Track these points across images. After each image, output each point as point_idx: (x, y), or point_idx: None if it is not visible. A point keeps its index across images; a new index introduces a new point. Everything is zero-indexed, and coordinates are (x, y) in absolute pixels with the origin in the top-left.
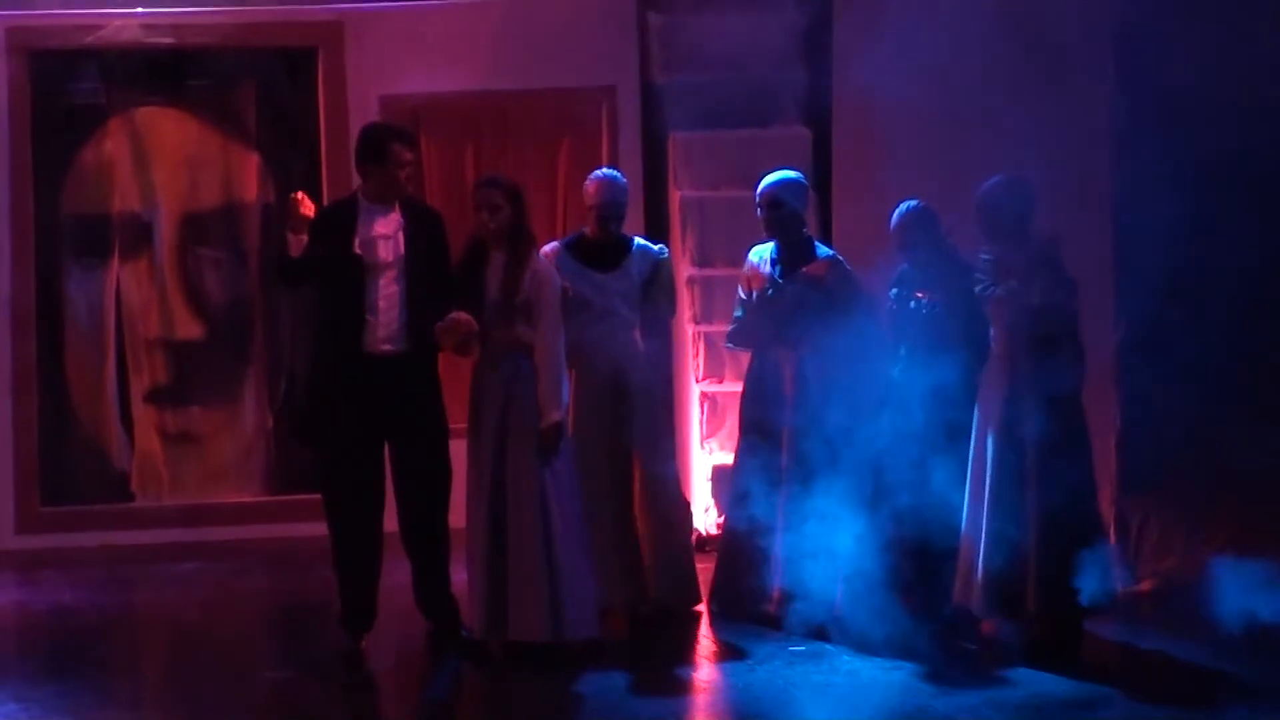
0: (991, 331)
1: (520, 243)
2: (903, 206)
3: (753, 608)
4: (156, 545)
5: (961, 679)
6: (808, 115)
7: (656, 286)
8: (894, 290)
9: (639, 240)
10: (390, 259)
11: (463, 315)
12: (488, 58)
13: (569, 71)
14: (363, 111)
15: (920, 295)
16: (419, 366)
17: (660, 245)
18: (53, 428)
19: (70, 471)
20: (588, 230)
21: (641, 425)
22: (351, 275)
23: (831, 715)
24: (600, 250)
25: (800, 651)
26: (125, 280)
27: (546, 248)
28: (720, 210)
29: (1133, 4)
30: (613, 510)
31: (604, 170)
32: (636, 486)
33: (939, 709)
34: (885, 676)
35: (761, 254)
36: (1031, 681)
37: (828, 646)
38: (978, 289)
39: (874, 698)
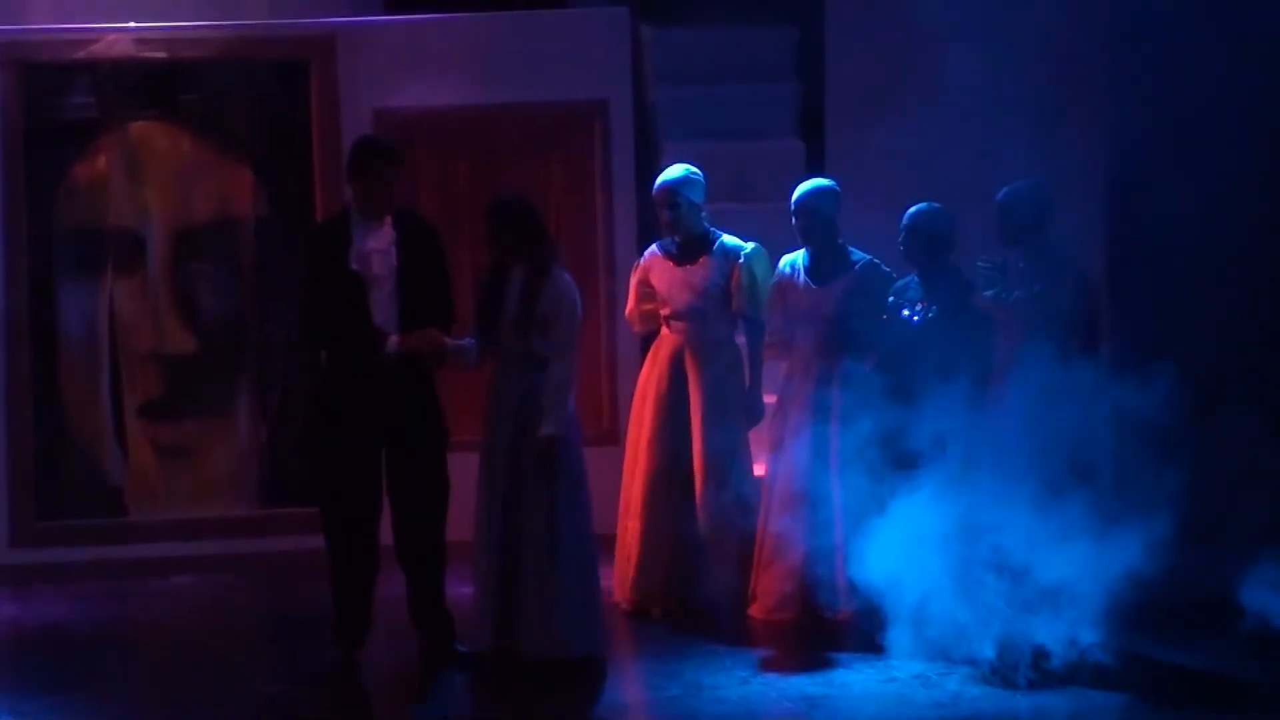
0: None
1: (539, 259)
2: (919, 207)
3: (808, 612)
4: (150, 559)
5: (956, 690)
6: (801, 128)
7: (736, 284)
8: (889, 299)
9: (727, 238)
10: (384, 273)
11: (429, 331)
12: (481, 71)
13: (562, 85)
14: (356, 125)
15: (919, 305)
16: (415, 378)
17: (752, 244)
18: (47, 442)
19: (64, 486)
20: None
21: (710, 426)
22: (350, 291)
23: None
24: (683, 245)
25: (795, 664)
26: (119, 295)
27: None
28: (714, 222)
29: (1128, 13)
30: (667, 507)
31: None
32: (701, 486)
33: (932, 719)
34: (879, 688)
35: (793, 262)
36: (1028, 693)
37: (821, 658)
38: (988, 293)
39: (867, 709)
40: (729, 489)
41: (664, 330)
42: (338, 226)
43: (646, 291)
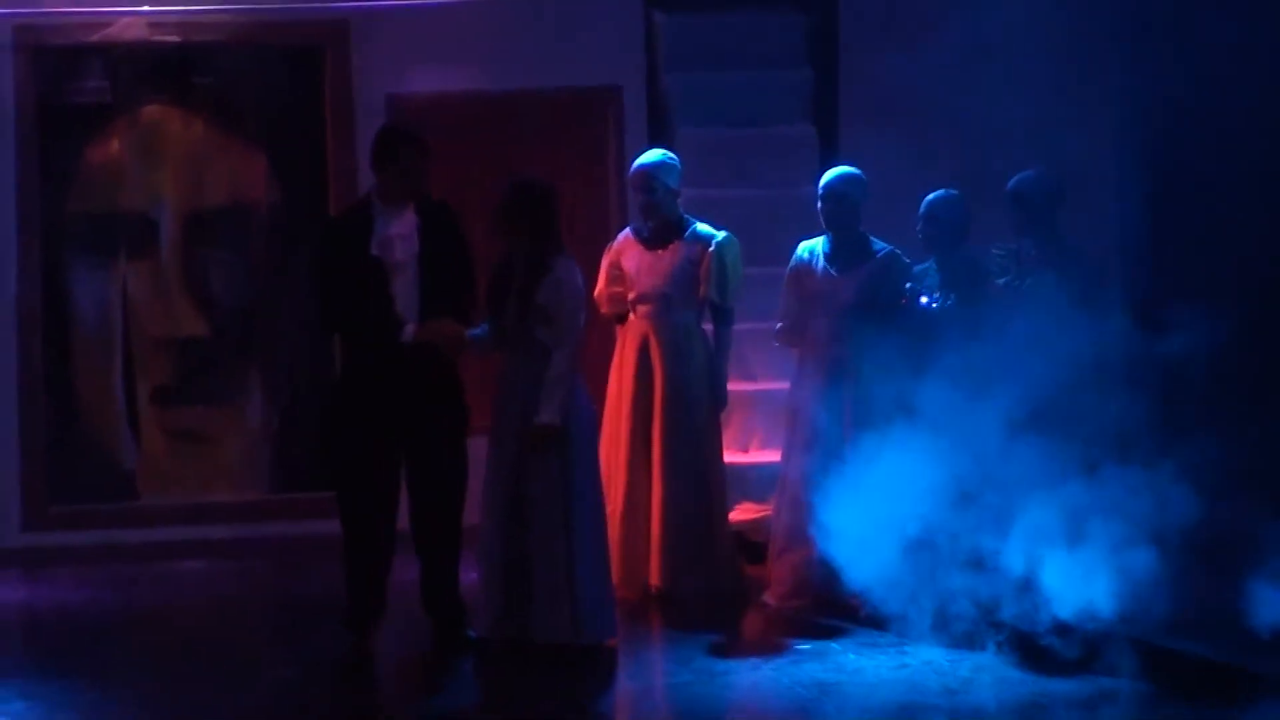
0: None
1: (539, 248)
2: (937, 194)
3: (830, 599)
4: (162, 543)
5: (968, 676)
6: (814, 113)
7: (706, 270)
8: (907, 285)
9: (699, 225)
10: (406, 259)
11: (445, 322)
12: (494, 57)
13: (575, 70)
14: (369, 111)
15: (936, 293)
16: (437, 366)
17: (724, 232)
18: (59, 426)
19: (76, 470)
20: None
21: (669, 410)
22: (372, 277)
23: (836, 714)
24: (656, 230)
25: (806, 650)
26: (131, 279)
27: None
28: (727, 208)
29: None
30: (631, 494)
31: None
32: (657, 473)
33: (944, 706)
34: (891, 675)
35: (812, 249)
36: (1038, 679)
37: (833, 645)
38: (1001, 281)
39: (880, 696)
40: (694, 476)
41: (630, 317)
42: (360, 213)
43: (616, 274)
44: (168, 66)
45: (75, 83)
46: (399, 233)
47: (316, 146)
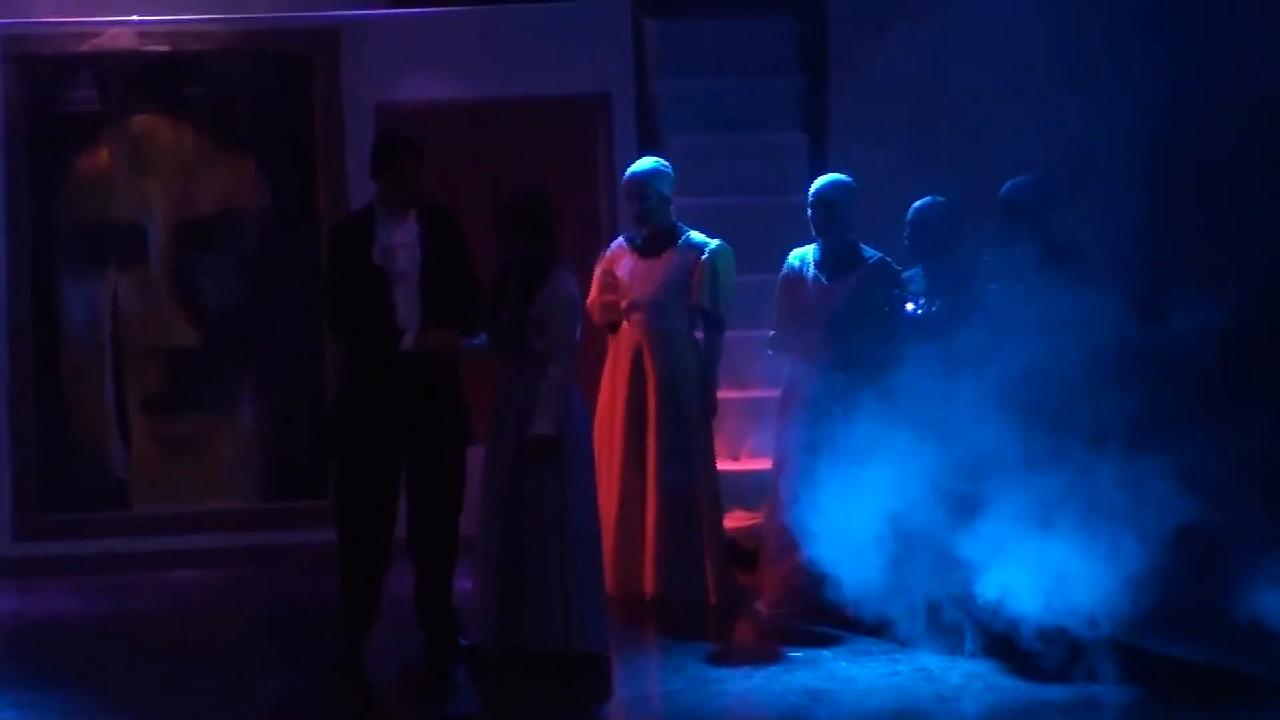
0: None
1: (536, 259)
2: (925, 201)
3: (822, 606)
4: (154, 552)
5: (959, 683)
6: (805, 120)
7: (698, 278)
8: (894, 292)
9: (693, 233)
10: (408, 267)
11: (444, 331)
12: (484, 65)
13: (565, 78)
14: (358, 119)
15: (921, 299)
16: (439, 373)
17: (717, 241)
18: (50, 436)
19: (67, 479)
20: None
21: (662, 418)
22: (374, 285)
23: None
24: (649, 238)
25: (798, 657)
26: (122, 288)
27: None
28: (718, 216)
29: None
30: (625, 501)
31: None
32: (651, 480)
33: (936, 713)
34: (883, 682)
35: (803, 256)
36: (1029, 686)
37: (825, 653)
38: (994, 287)
39: (871, 703)
40: (687, 484)
41: (624, 325)
42: (362, 221)
43: (609, 282)
44: (157, 76)
45: (65, 92)
46: (401, 241)
47: (306, 155)
